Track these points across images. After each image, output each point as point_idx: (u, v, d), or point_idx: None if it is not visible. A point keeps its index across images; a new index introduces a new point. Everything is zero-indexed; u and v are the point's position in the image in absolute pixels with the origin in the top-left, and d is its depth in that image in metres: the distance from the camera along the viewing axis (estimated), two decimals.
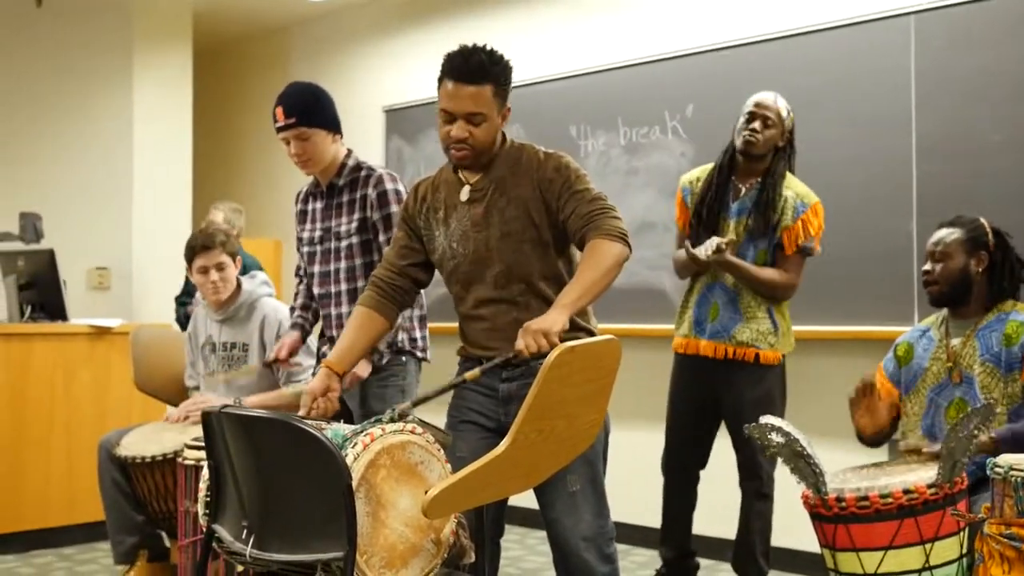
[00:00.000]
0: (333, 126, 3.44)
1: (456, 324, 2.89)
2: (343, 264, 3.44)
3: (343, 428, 2.30)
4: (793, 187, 3.79)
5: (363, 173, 3.46)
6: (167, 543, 4.28)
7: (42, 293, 5.23)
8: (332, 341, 3.45)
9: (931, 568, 2.65)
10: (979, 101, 4.18)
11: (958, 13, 4.25)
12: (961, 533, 2.69)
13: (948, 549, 2.67)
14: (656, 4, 5.28)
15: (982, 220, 3.21)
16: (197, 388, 4.28)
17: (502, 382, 2.77)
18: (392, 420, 2.31)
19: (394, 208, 3.37)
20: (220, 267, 4.08)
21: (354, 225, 3.42)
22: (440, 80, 2.70)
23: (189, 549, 3.59)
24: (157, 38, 6.65)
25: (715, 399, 3.83)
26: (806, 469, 2.72)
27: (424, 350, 3.51)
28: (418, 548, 2.24)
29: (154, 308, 6.20)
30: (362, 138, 6.20)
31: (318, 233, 3.52)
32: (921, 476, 2.69)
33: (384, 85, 6.61)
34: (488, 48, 2.71)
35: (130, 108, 6.53)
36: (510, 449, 2.19)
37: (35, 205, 5.73)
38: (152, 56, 6.63)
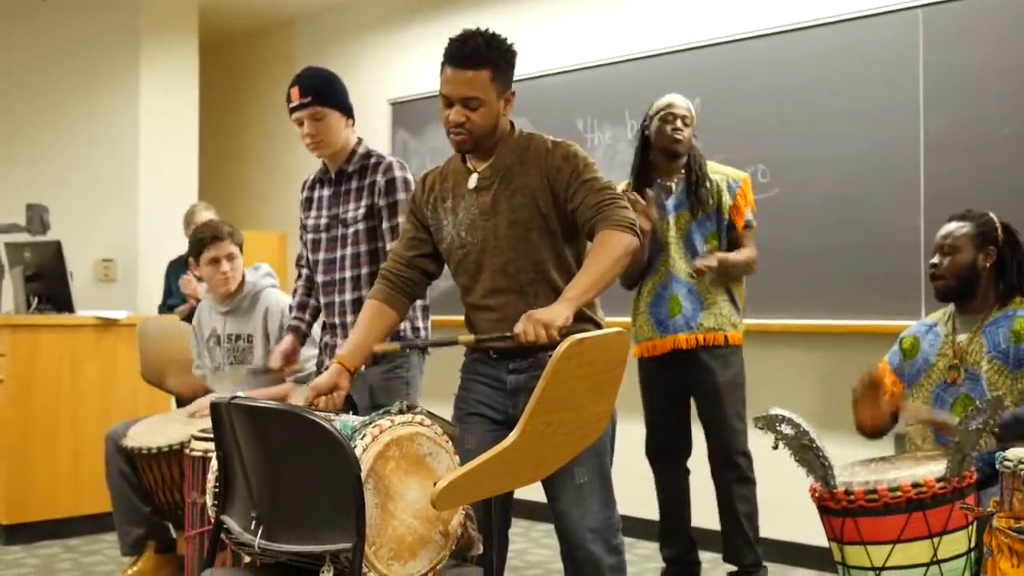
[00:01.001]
0: (346, 110, 3.46)
1: (459, 317, 2.89)
2: (349, 251, 3.44)
3: (352, 419, 2.30)
4: (718, 170, 3.94)
5: (372, 160, 3.46)
6: (173, 534, 4.29)
7: (49, 285, 5.24)
8: (334, 328, 3.45)
9: (939, 562, 2.65)
10: (988, 95, 4.17)
11: (967, 7, 4.23)
12: (970, 527, 2.69)
13: (957, 543, 2.67)
14: None
15: (991, 215, 3.20)
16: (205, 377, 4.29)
17: (510, 374, 2.76)
18: (401, 412, 2.30)
19: (401, 196, 3.37)
20: (230, 257, 4.10)
21: (361, 212, 3.41)
22: (441, 65, 2.70)
23: (195, 540, 3.59)
24: (163, 31, 6.65)
25: (684, 387, 3.92)
26: (815, 462, 2.72)
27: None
28: (426, 539, 2.24)
29: (160, 300, 6.20)
30: (368, 131, 6.14)
31: (324, 220, 3.52)
32: (930, 469, 2.69)
33: (390, 78, 6.60)
34: (488, 32, 2.69)
35: (136, 101, 6.53)
36: (518, 441, 2.18)
37: (42, 197, 5.73)
38: (158, 49, 6.63)
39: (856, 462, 2.98)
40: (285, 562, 2.32)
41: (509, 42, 2.73)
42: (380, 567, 2.15)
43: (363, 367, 3.33)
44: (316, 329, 3.83)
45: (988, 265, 3.13)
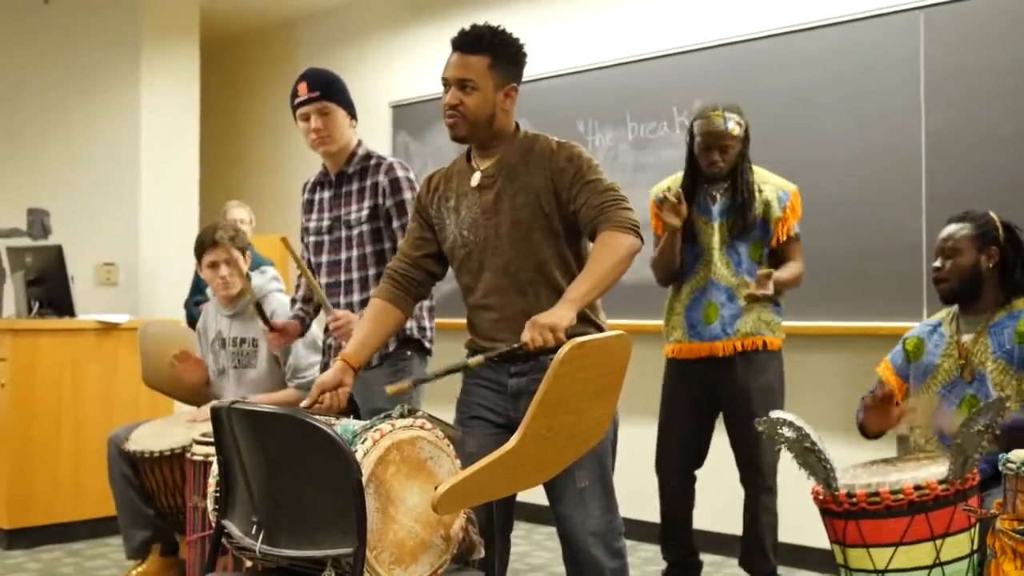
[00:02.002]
0: (351, 109, 3.50)
1: (462, 319, 2.89)
2: (354, 252, 3.44)
3: (353, 424, 2.29)
4: (769, 180, 3.85)
5: (373, 161, 3.47)
6: (177, 537, 4.28)
7: (50, 289, 5.24)
8: (307, 303, 3.47)
9: (942, 564, 2.64)
10: (989, 95, 4.16)
11: (968, 7, 4.23)
12: (972, 529, 2.68)
13: (959, 545, 2.66)
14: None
15: (992, 214, 3.19)
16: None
17: (511, 377, 2.76)
18: (402, 416, 2.30)
19: (407, 195, 3.38)
20: (228, 262, 4.09)
21: (364, 213, 3.42)
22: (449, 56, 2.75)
23: (197, 544, 3.59)
24: (164, 34, 6.65)
25: (712, 394, 3.84)
26: (816, 464, 2.71)
27: (431, 341, 3.51)
28: (427, 544, 2.24)
29: (162, 303, 6.20)
30: (369, 133, 6.17)
31: (326, 222, 3.52)
32: (932, 472, 2.68)
33: (391, 80, 6.60)
34: (498, 27, 2.74)
35: (137, 104, 6.53)
36: (520, 445, 2.18)
37: (43, 201, 5.73)
38: (159, 52, 6.63)
39: (858, 464, 2.97)
40: (286, 567, 2.32)
41: (516, 37, 2.75)
42: (381, 571, 2.15)
43: (369, 366, 3.35)
44: (318, 332, 3.82)
45: (991, 265, 3.12)
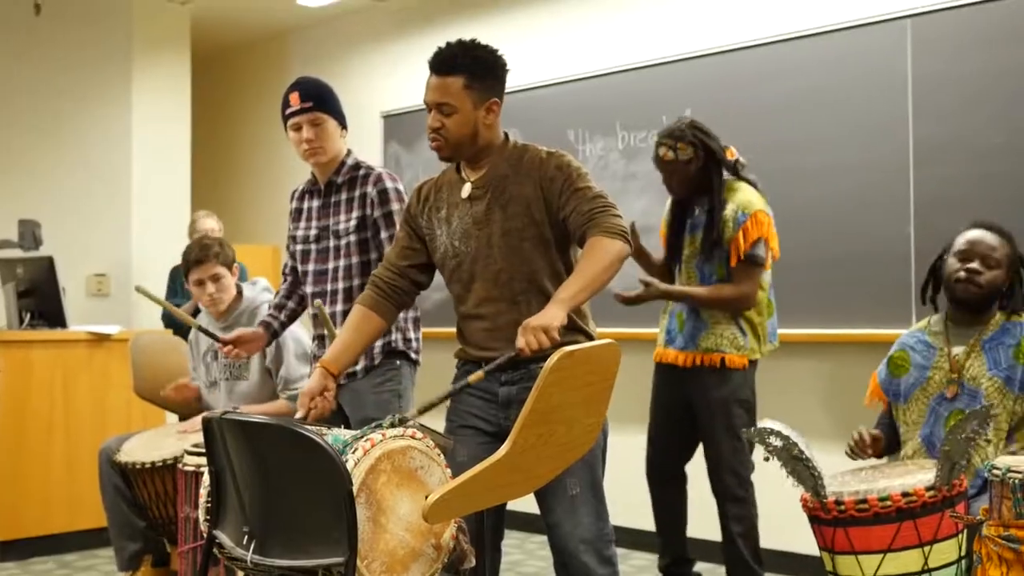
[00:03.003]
0: (342, 119, 3.51)
1: (451, 329, 2.90)
2: (341, 262, 3.44)
3: (343, 433, 2.30)
4: (737, 199, 3.77)
5: (362, 172, 3.48)
6: (168, 549, 4.28)
7: (41, 300, 5.23)
8: (322, 340, 3.46)
9: (930, 570, 2.65)
10: (976, 104, 4.19)
11: (955, 16, 4.26)
12: (960, 535, 2.69)
13: (947, 551, 2.67)
14: (653, 9, 5.29)
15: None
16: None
17: (501, 386, 2.77)
18: (392, 425, 2.31)
19: (395, 206, 3.38)
20: (216, 278, 4.08)
21: (352, 223, 3.42)
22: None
23: (189, 555, 3.59)
24: (156, 46, 6.66)
25: (687, 404, 3.88)
26: (804, 473, 2.72)
27: (418, 352, 3.51)
28: (418, 553, 2.25)
29: (153, 314, 6.19)
30: (360, 143, 6.18)
31: (314, 231, 3.52)
32: (920, 479, 2.70)
33: (382, 91, 6.62)
34: (470, 42, 2.74)
35: (129, 115, 6.54)
36: (510, 454, 2.19)
37: (34, 212, 5.73)
38: (150, 63, 6.64)
39: (846, 471, 2.98)
40: None
41: (493, 51, 2.76)
42: None
43: (357, 376, 3.36)
44: (308, 343, 3.83)
45: (1005, 288, 3.13)
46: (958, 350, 3.10)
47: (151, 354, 4.60)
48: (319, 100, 3.42)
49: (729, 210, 3.76)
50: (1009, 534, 2.24)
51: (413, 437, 2.29)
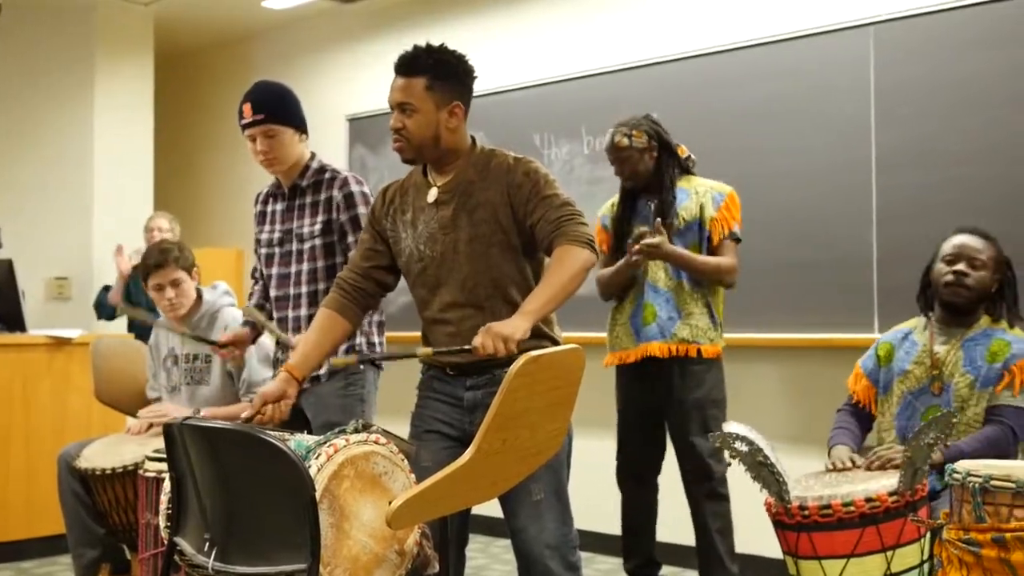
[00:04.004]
0: (300, 125, 3.44)
1: (416, 333, 2.89)
2: (305, 266, 3.42)
3: (306, 439, 2.29)
4: (701, 184, 3.90)
5: (327, 175, 3.45)
6: (128, 556, 4.23)
7: (0, 304, 5.16)
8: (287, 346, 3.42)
9: (893, 575, 2.67)
10: (938, 111, 4.23)
11: (917, 24, 4.30)
12: (923, 539, 2.71)
13: (910, 556, 2.69)
14: (620, 14, 5.31)
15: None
16: (159, 399, 4.24)
17: (467, 391, 2.76)
18: (356, 430, 2.30)
19: (361, 210, 3.36)
20: (175, 283, 4.03)
21: (317, 227, 3.40)
22: None
23: (150, 562, 3.55)
24: (118, 47, 6.60)
25: (658, 403, 3.88)
26: (769, 478, 2.73)
27: None
28: (382, 559, 2.23)
29: (115, 319, 6.14)
30: (325, 146, 6.14)
31: (278, 235, 3.49)
32: (883, 484, 2.71)
33: (347, 94, 6.59)
34: (436, 45, 2.74)
35: (91, 116, 6.48)
36: (474, 459, 2.18)
37: None
38: (113, 65, 6.58)
39: (810, 474, 3.00)
40: None
41: (458, 55, 2.76)
42: None
43: (320, 381, 3.33)
44: (271, 347, 3.80)
45: (994, 290, 3.18)
46: (940, 348, 3.15)
47: (112, 358, 4.54)
48: (271, 111, 3.36)
49: (704, 193, 3.85)
50: (969, 538, 2.25)
51: (376, 442, 2.27)
